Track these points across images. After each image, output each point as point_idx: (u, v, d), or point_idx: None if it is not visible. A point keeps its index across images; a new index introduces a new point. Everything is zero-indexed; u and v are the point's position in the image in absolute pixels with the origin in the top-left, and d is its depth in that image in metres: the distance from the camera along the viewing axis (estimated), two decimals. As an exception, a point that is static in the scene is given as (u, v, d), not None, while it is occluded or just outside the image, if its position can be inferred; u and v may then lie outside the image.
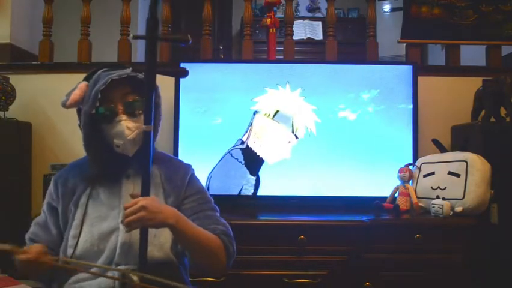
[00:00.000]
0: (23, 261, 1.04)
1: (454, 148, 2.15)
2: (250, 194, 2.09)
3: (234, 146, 2.11)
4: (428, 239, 1.78)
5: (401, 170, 2.03)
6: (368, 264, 1.78)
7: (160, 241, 1.14)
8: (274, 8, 2.59)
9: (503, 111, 2.05)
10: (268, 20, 2.46)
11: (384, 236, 1.80)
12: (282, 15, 2.69)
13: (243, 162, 2.10)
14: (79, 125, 1.20)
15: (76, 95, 1.15)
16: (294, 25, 2.53)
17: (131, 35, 1.07)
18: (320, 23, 4.80)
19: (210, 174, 2.09)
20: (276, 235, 1.80)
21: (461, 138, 2.11)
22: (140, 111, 1.16)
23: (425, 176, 2.02)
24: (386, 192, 2.05)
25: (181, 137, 2.10)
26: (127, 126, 1.14)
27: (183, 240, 1.12)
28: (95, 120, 1.16)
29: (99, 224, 1.15)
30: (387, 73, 2.14)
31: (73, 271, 1.11)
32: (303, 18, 4.94)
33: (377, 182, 2.08)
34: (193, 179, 1.29)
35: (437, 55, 4.00)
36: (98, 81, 1.15)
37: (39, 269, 1.08)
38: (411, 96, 2.12)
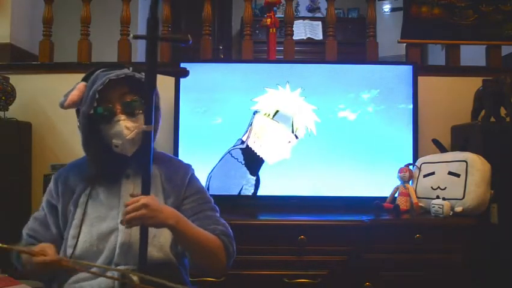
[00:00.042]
0: (40, 263, 1.03)
1: (454, 148, 2.15)
2: (250, 194, 2.09)
3: (234, 146, 2.11)
4: (428, 239, 1.78)
5: (401, 170, 2.03)
6: (368, 264, 1.78)
7: (160, 241, 1.14)
8: (274, 8, 2.59)
9: (503, 111, 2.05)
10: (268, 20, 2.46)
11: (384, 236, 1.80)
12: (282, 15, 2.69)
13: (243, 162, 2.10)
14: (79, 126, 1.20)
15: (74, 95, 1.15)
16: (294, 25, 2.53)
17: (132, 35, 1.06)
18: (320, 23, 4.80)
19: (210, 174, 2.09)
20: (276, 235, 1.80)
21: (461, 138, 2.11)
22: (139, 111, 1.16)
23: (425, 176, 2.02)
24: (386, 192, 2.05)
25: (181, 137, 2.10)
26: (126, 126, 1.14)
27: (183, 241, 1.12)
28: (94, 121, 1.16)
29: (98, 224, 1.15)
30: (387, 73, 2.14)
31: (73, 271, 1.11)
32: (303, 18, 4.94)
33: (377, 182, 2.08)
34: (193, 179, 1.29)
35: (437, 55, 4.00)
36: (96, 82, 1.15)
37: (48, 270, 1.07)
38: (411, 96, 2.12)
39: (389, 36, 3.60)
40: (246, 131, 2.11)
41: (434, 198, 1.91)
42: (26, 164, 2.27)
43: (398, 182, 2.04)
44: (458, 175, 1.89)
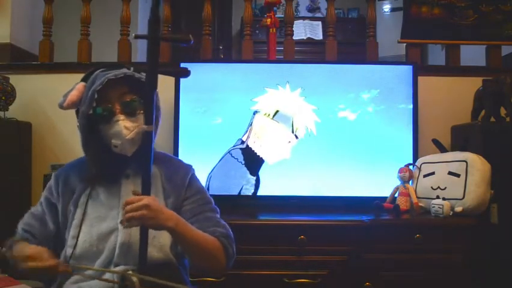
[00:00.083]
0: (32, 268, 1.02)
1: (454, 148, 2.15)
2: (250, 194, 2.09)
3: (234, 146, 2.11)
4: (428, 239, 1.78)
5: (401, 170, 2.03)
6: (368, 264, 1.78)
7: (160, 242, 1.14)
8: (274, 8, 2.59)
9: (503, 111, 2.05)
10: (268, 20, 2.46)
11: (384, 236, 1.80)
12: (282, 15, 2.69)
13: (243, 162, 2.10)
14: (78, 126, 1.20)
15: (73, 95, 1.15)
16: (294, 25, 2.53)
17: (133, 35, 1.06)
18: (320, 23, 4.80)
19: (210, 174, 2.09)
20: (276, 235, 1.80)
21: (461, 138, 2.11)
22: (139, 111, 1.16)
23: (425, 176, 2.02)
24: (386, 192, 2.05)
25: (181, 137, 2.10)
26: (125, 126, 1.13)
27: (182, 243, 1.12)
28: (93, 121, 1.16)
29: (98, 224, 1.14)
30: (387, 73, 2.14)
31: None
32: (303, 18, 4.94)
33: (377, 182, 2.08)
34: (194, 179, 1.29)
35: (437, 55, 4.00)
36: (95, 82, 1.14)
37: (44, 274, 1.07)
38: (411, 96, 2.12)
39: (389, 36, 3.60)
40: (246, 131, 2.11)
41: (434, 198, 1.91)
42: (26, 164, 2.27)
43: (398, 182, 2.04)
44: (458, 175, 1.89)
